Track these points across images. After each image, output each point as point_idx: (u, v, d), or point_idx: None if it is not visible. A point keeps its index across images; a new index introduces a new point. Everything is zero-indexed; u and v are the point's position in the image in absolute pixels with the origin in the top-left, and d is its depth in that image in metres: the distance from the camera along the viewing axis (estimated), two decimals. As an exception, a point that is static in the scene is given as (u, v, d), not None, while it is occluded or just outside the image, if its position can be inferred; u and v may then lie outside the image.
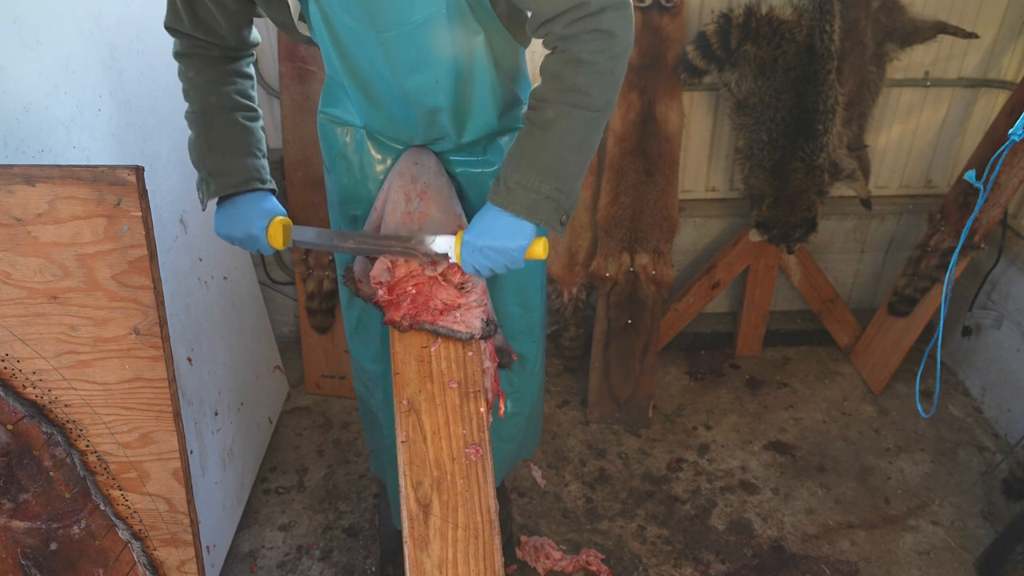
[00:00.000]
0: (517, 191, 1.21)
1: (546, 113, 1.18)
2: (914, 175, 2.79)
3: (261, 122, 1.45)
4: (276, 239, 1.38)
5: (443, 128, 1.40)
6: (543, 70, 1.21)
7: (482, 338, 1.39)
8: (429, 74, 1.27)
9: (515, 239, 1.24)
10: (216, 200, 1.41)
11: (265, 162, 1.43)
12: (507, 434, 1.78)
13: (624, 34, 1.17)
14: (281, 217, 1.39)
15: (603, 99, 1.19)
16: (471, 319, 1.36)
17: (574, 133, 1.19)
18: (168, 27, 1.35)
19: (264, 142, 1.45)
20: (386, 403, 1.70)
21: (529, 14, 1.21)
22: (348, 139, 1.49)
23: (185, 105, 1.40)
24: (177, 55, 1.38)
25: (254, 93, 1.45)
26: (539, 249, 1.28)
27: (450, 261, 1.34)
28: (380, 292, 1.38)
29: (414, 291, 1.38)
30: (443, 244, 1.32)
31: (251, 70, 1.46)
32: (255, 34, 1.43)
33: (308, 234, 1.41)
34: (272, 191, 1.43)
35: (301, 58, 2.30)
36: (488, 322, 1.39)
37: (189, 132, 1.41)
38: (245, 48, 1.43)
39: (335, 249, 1.43)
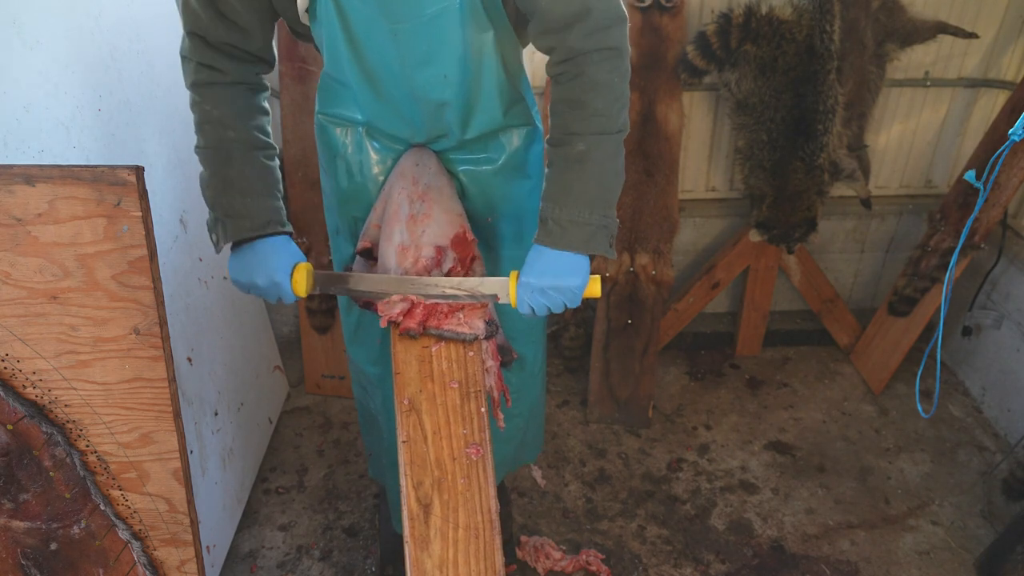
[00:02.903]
0: (571, 229, 1.23)
1: (578, 146, 1.21)
2: (914, 175, 2.79)
3: (278, 161, 1.38)
4: (300, 286, 1.32)
5: (447, 124, 1.40)
6: (559, 100, 1.23)
7: (485, 338, 1.39)
8: (438, 68, 1.28)
9: (576, 276, 1.27)
10: (230, 244, 1.34)
11: (283, 204, 1.37)
12: (505, 436, 1.76)
13: (627, 51, 1.22)
14: (303, 263, 1.34)
15: (622, 119, 1.23)
16: (474, 320, 1.37)
17: (608, 159, 1.23)
18: (188, 32, 1.25)
19: (282, 183, 1.38)
20: (386, 406, 1.69)
21: (532, 19, 1.20)
22: (347, 139, 1.48)
23: (195, 139, 1.32)
24: (193, 85, 1.29)
25: (270, 130, 1.38)
26: (596, 288, 1.30)
27: (499, 301, 1.33)
28: (395, 312, 1.36)
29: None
30: (493, 286, 1.32)
31: (267, 105, 1.38)
32: (274, 49, 1.37)
33: (336, 278, 1.37)
34: (290, 234, 1.37)
35: (301, 58, 2.30)
36: (490, 323, 1.39)
37: (200, 169, 1.32)
38: (267, 57, 1.36)
39: (371, 296, 1.35)
